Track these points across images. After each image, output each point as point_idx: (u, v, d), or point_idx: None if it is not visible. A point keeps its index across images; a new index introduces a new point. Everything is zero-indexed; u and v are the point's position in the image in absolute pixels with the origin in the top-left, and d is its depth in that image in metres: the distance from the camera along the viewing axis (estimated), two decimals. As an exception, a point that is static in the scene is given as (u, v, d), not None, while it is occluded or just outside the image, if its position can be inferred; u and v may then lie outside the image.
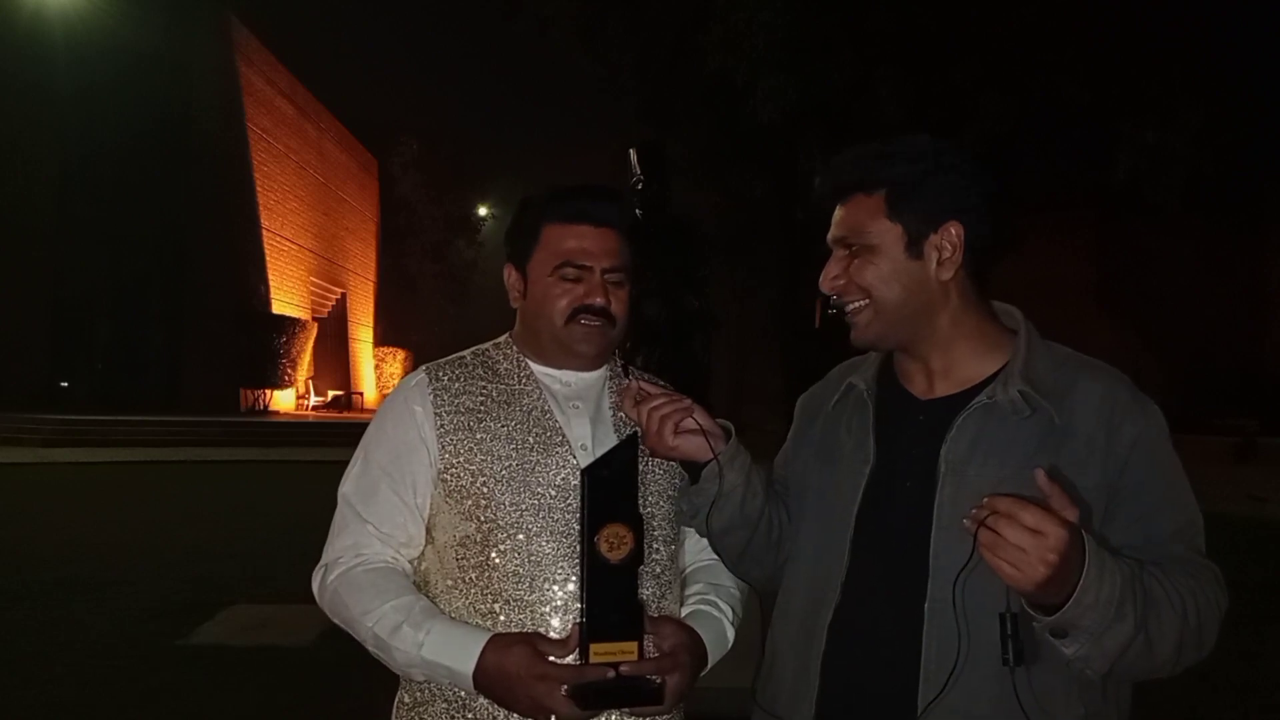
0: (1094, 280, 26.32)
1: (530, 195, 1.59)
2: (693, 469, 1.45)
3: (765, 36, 12.76)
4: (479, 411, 1.51)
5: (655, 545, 1.50)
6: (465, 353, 1.62)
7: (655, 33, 15.93)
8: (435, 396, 1.52)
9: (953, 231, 1.32)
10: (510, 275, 1.60)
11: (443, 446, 1.49)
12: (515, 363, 1.57)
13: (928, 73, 13.48)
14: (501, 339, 1.64)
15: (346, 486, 1.55)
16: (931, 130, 1.46)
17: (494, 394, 1.53)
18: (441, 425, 1.50)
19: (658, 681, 1.36)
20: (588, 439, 1.51)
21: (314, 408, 27.58)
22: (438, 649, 1.37)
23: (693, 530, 1.62)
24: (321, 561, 1.54)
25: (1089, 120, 14.09)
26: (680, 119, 16.66)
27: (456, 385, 1.53)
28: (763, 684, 1.47)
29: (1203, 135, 13.16)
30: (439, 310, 40.63)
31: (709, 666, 1.48)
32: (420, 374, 1.57)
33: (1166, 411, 1.34)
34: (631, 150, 5.32)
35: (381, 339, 36.93)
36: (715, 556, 1.61)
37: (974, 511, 1.11)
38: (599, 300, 1.50)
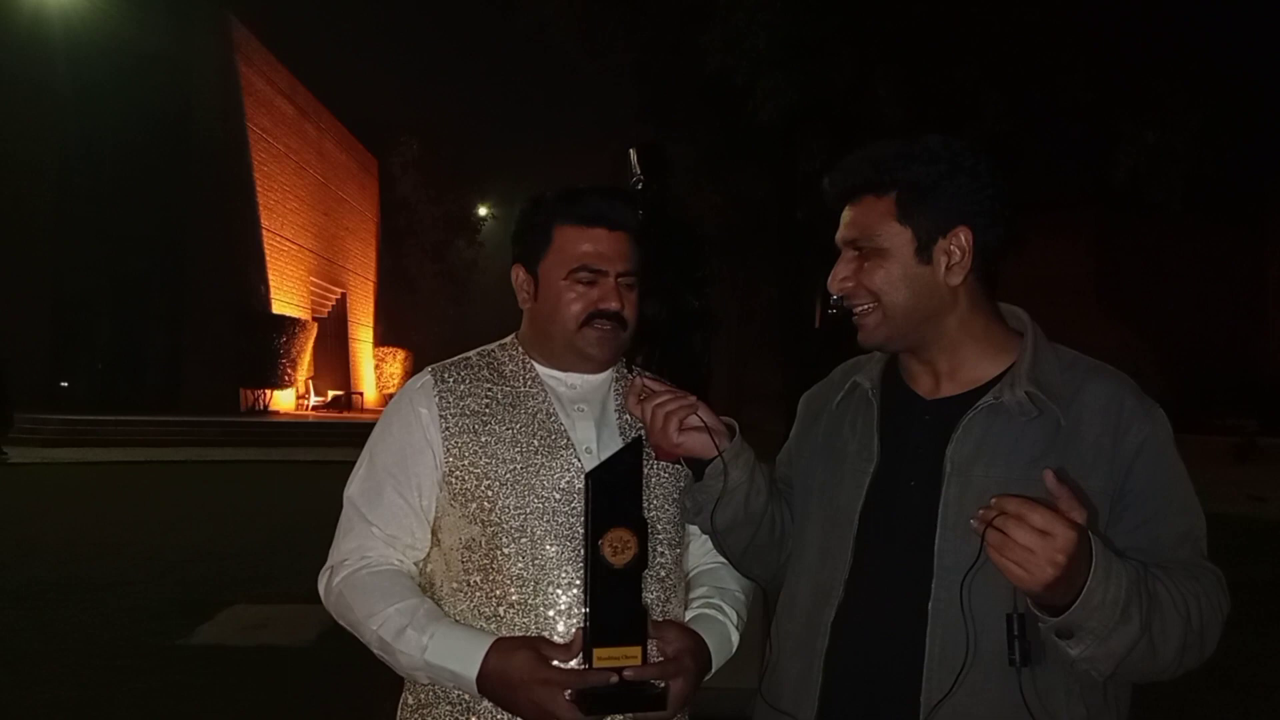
0: (1094, 280, 26.32)
1: (541, 194, 1.57)
2: (696, 466, 1.45)
3: (765, 36, 12.75)
4: (484, 414, 1.50)
5: (660, 549, 1.50)
6: (471, 353, 1.61)
7: (655, 33, 15.92)
8: (440, 399, 1.51)
9: (962, 237, 1.32)
10: (519, 276, 1.58)
11: (448, 449, 1.49)
12: (521, 364, 1.57)
13: (928, 73, 13.46)
14: (507, 340, 1.63)
15: (352, 489, 1.55)
16: (931, 131, 1.46)
17: (499, 396, 1.53)
18: (447, 428, 1.49)
19: (661, 686, 1.35)
20: (592, 442, 1.51)
21: (314, 408, 27.57)
22: (441, 653, 1.38)
23: (697, 533, 1.62)
24: (327, 564, 1.54)
25: (1089, 120, 14.07)
26: (680, 119, 16.65)
27: (462, 387, 1.53)
28: (767, 680, 1.47)
29: (1203, 135, 13.14)
30: (439, 310, 40.63)
31: (713, 671, 1.48)
32: (426, 375, 1.57)
33: (1166, 411, 1.34)
34: (631, 150, 5.31)
35: (381, 339, 36.92)
36: (720, 559, 1.61)
37: (981, 512, 1.11)
38: (614, 305, 1.50)
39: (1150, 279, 25.42)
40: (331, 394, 29.01)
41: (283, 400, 25.89)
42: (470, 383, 1.54)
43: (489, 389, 1.53)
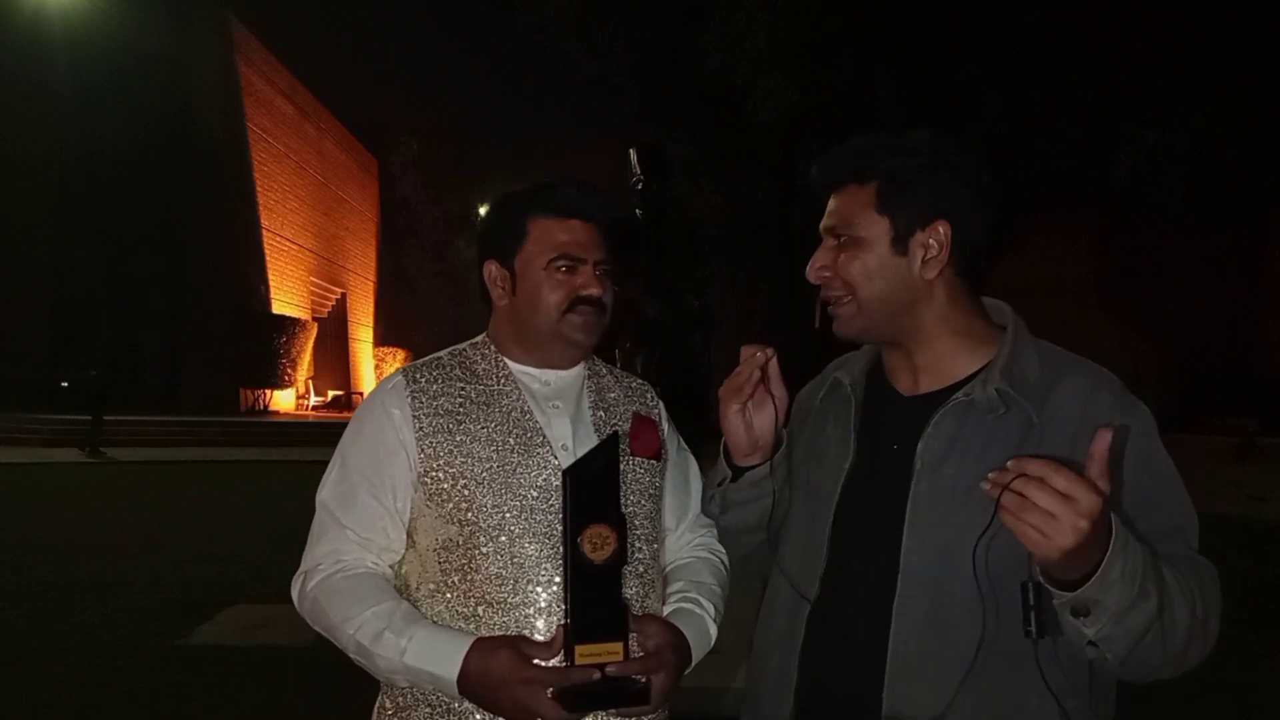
0: (1094, 279, 26.32)
1: (511, 189, 1.58)
2: (735, 468, 1.46)
3: (765, 36, 12.76)
4: (458, 413, 1.49)
5: (638, 544, 1.50)
6: (443, 353, 1.60)
7: (655, 33, 15.93)
8: (413, 399, 1.50)
9: (940, 230, 1.31)
10: (491, 271, 1.57)
11: (422, 449, 1.47)
12: (494, 362, 1.56)
13: (928, 73, 13.46)
14: (479, 339, 1.62)
15: (324, 492, 1.53)
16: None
17: (473, 395, 1.52)
18: (420, 428, 1.48)
19: (643, 681, 1.35)
20: (568, 438, 1.50)
21: (314, 408, 27.60)
22: (421, 655, 1.36)
23: (673, 528, 1.64)
24: (301, 569, 1.52)
25: (1089, 120, 14.07)
26: (680, 119, 16.65)
27: (435, 387, 1.52)
28: (750, 675, 1.47)
29: (1203, 135, 13.14)
30: (439, 310, 40.61)
31: (693, 664, 1.48)
32: (397, 376, 1.55)
33: (1166, 411, 1.34)
34: (631, 150, 5.32)
35: (381, 339, 36.94)
36: (696, 554, 1.63)
37: (994, 475, 1.06)
38: (595, 291, 1.51)
39: (1150, 279, 25.41)
40: (331, 394, 29.04)
41: (283, 400, 25.90)
42: (443, 382, 1.53)
43: (462, 388, 1.52)
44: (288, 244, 27.07)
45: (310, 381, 27.83)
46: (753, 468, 1.44)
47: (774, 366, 1.43)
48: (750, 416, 1.41)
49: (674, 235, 5.27)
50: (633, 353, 5.00)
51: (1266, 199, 24.44)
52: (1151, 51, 13.53)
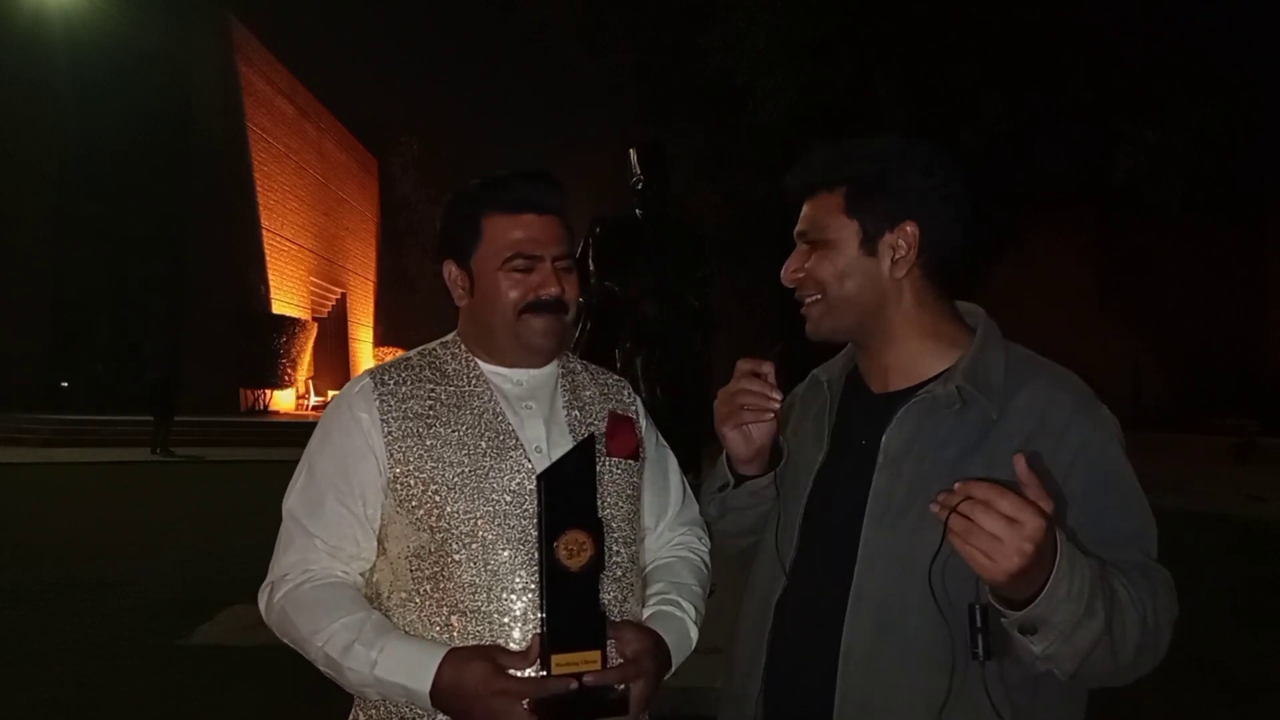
0: (1094, 280, 26.31)
1: (465, 186, 1.52)
2: (735, 473, 1.50)
3: (765, 36, 12.78)
4: (428, 416, 1.45)
5: (615, 547, 1.46)
6: (411, 353, 1.56)
7: (655, 33, 15.94)
8: (381, 402, 1.45)
9: (909, 230, 1.33)
10: (451, 272, 1.52)
11: (391, 454, 1.42)
12: (464, 363, 1.51)
13: (928, 73, 13.47)
14: (448, 337, 1.57)
15: (291, 500, 1.48)
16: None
17: (443, 397, 1.47)
18: (389, 432, 1.43)
19: (622, 690, 1.32)
20: (542, 441, 1.46)
21: (314, 408, 27.60)
22: (392, 667, 1.32)
23: (652, 527, 1.63)
24: (266, 580, 1.46)
25: (1089, 120, 14.07)
26: (680, 119, 16.67)
27: (404, 389, 1.47)
28: (729, 659, 1.49)
29: (1203, 135, 13.15)
30: (439, 310, 40.39)
31: (673, 669, 1.45)
32: (364, 379, 1.50)
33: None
34: (631, 150, 5.32)
35: (381, 339, 36.97)
36: (677, 554, 1.62)
37: (942, 497, 1.07)
38: (553, 290, 1.46)
39: (1150, 279, 25.39)
40: (331, 394, 29.00)
41: (283, 400, 25.92)
42: (412, 384, 1.48)
43: (432, 389, 1.47)
44: (288, 244, 27.08)
45: (310, 381, 27.85)
46: (753, 476, 1.46)
47: (771, 376, 1.43)
48: (749, 428, 1.43)
49: (674, 235, 5.27)
50: (633, 353, 4.99)
51: (1266, 199, 24.42)
52: (1151, 51, 13.54)
